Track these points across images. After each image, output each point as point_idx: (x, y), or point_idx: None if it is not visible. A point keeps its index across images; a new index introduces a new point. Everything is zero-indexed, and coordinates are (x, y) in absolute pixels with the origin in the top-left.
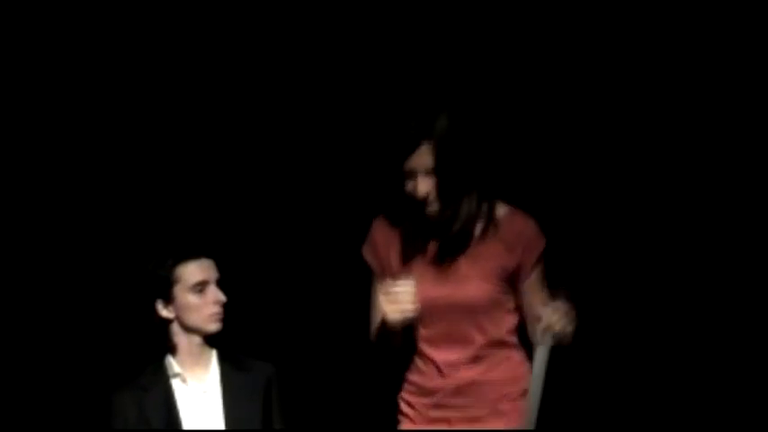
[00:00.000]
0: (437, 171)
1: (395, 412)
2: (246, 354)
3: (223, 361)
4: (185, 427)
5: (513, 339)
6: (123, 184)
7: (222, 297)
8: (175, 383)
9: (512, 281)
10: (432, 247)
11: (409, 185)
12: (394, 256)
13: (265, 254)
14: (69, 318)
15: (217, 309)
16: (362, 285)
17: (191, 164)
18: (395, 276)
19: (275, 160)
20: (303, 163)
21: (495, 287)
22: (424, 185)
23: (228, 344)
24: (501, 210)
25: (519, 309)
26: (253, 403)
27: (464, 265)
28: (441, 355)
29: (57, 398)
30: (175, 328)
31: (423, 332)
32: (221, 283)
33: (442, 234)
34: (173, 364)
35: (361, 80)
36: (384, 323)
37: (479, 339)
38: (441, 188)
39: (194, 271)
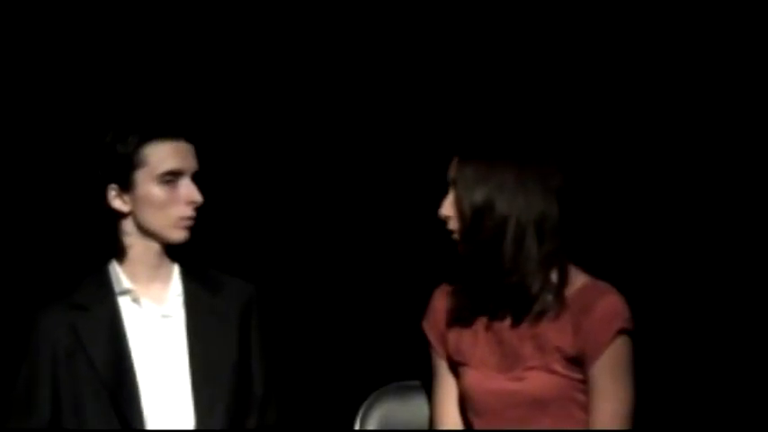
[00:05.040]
0: (455, 182)
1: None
2: (220, 270)
3: (188, 278)
4: (137, 359)
5: None
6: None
7: (198, 196)
8: (124, 302)
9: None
10: (497, 317)
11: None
12: (453, 331)
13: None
14: None
15: (188, 211)
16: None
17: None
18: (453, 358)
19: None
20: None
21: (562, 379)
22: (446, 205)
23: (194, 258)
24: (577, 278)
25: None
26: (226, 332)
27: (528, 349)
28: None
29: None
30: (128, 225)
31: (479, 426)
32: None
33: (499, 294)
34: (120, 276)
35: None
36: None
37: None
38: (455, 207)
39: (166, 155)
